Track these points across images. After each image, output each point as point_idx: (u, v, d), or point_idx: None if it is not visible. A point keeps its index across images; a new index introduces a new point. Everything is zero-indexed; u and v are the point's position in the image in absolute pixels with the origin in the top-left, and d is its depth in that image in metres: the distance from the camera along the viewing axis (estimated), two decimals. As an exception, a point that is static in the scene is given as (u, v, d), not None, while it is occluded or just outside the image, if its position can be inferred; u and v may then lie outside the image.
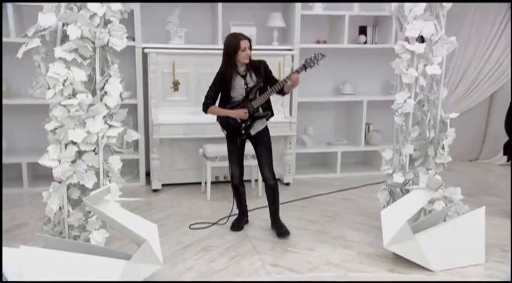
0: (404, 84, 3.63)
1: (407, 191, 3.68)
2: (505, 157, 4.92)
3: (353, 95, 5.71)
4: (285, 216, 4.35)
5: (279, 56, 5.14)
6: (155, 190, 5.12)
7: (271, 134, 4.47)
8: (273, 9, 5.38)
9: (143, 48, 4.96)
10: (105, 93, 3.21)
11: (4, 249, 3.08)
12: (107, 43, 3.15)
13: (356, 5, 5.42)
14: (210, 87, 4.00)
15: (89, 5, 3.05)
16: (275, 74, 4.28)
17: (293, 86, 3.95)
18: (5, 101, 4.97)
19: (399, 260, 3.48)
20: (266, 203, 4.23)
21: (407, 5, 3.47)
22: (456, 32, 5.72)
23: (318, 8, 5.38)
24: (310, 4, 5.38)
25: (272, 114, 4.13)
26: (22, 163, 4.95)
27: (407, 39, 3.57)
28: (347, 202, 4.81)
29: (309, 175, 5.68)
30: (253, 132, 4.01)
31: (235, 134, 4.01)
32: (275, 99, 4.76)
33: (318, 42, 5.54)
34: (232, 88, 3.96)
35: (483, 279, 3.31)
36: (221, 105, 4.02)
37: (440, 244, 3.45)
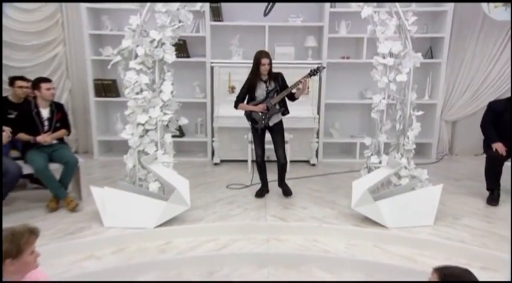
0: (379, 88, 3.76)
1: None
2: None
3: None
4: (300, 185, 4.66)
5: (309, 68, 5.17)
6: (216, 164, 5.53)
7: (301, 126, 4.74)
8: (308, 33, 5.55)
9: (211, 63, 5.44)
10: (161, 91, 3.69)
11: (95, 187, 3.73)
12: (162, 58, 3.61)
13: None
14: (241, 90, 4.20)
15: (151, 33, 3.58)
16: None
17: (302, 92, 4.06)
18: (121, 99, 5.58)
19: (366, 220, 3.64)
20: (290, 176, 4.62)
21: (379, 28, 3.59)
22: (464, 49, 5.62)
23: (343, 32, 5.50)
24: (336, 29, 5.50)
25: (287, 112, 4.20)
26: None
27: (381, 55, 3.67)
28: (354, 179, 4.85)
29: (334, 159, 5.76)
30: (271, 123, 4.14)
31: (257, 124, 4.15)
32: (304, 101, 4.99)
33: (343, 57, 5.62)
34: (256, 90, 4.12)
35: (427, 236, 3.37)
36: (248, 103, 4.18)
37: (397, 208, 3.57)
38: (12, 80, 4.49)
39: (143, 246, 3.40)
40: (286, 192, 4.27)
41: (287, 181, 4.37)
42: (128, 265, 3.17)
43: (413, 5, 5.24)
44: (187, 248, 3.38)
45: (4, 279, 1.68)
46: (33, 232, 1.76)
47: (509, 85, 5.45)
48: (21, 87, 4.41)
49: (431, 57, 5.64)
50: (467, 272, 1.70)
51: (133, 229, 3.52)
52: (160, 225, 3.55)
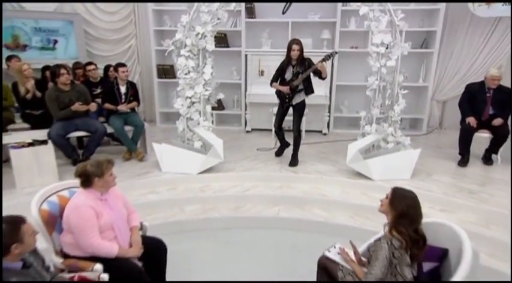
0: (373, 72, 3.85)
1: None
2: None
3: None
4: (311, 149, 4.80)
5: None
6: (247, 131, 5.74)
7: (315, 102, 4.67)
8: (324, 27, 5.59)
9: (245, 51, 5.62)
10: (203, 72, 3.92)
11: (156, 144, 4.11)
12: (205, 47, 3.84)
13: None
14: (275, 71, 4.07)
15: (196, 28, 3.82)
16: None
17: (324, 72, 3.83)
18: (177, 80, 5.94)
19: (358, 174, 3.82)
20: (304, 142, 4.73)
21: (373, 23, 3.67)
22: (455, 41, 5.53)
23: (352, 26, 5.51)
24: (347, 24, 5.52)
25: (312, 92, 4.00)
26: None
27: (374, 45, 3.74)
28: (355, 145, 5.04)
29: (343, 130, 5.79)
30: (294, 102, 4.01)
31: (282, 101, 4.11)
32: (319, 82, 4.81)
33: (352, 47, 5.64)
34: (285, 73, 3.98)
35: (405, 185, 3.52)
36: (280, 83, 4.06)
37: (382, 165, 3.72)
38: (84, 66, 4.94)
39: (189, 187, 3.78)
40: (291, 163, 4.13)
41: (301, 146, 4.34)
42: (177, 199, 3.59)
43: (412, 4, 5.26)
44: (220, 189, 3.72)
45: (94, 190, 2.14)
46: (110, 162, 2.18)
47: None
48: (89, 70, 4.84)
49: (426, 48, 5.57)
50: (411, 192, 1.94)
51: (182, 174, 3.88)
52: (201, 172, 3.89)
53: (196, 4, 3.83)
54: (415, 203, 1.90)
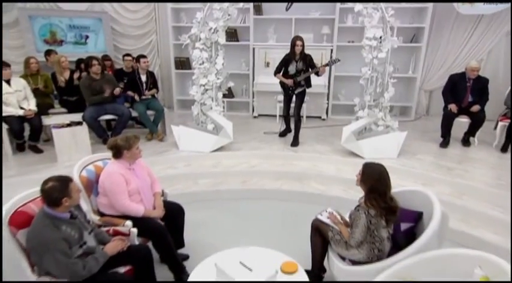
0: (366, 63, 3.86)
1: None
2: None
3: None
4: (311, 132, 4.83)
5: (324, 49, 5.41)
6: (254, 117, 5.78)
7: (315, 91, 4.74)
8: (324, 23, 5.55)
9: (253, 45, 5.62)
10: (216, 63, 3.97)
11: (174, 126, 4.21)
12: (217, 40, 3.88)
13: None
14: (279, 63, 4.16)
15: (209, 23, 3.86)
16: (319, 60, 4.43)
17: (323, 73, 4.00)
18: (192, 71, 5.97)
19: (351, 153, 3.88)
20: (305, 126, 4.77)
21: (366, 19, 3.69)
22: (441, 36, 5.49)
23: (349, 22, 5.47)
24: (345, 20, 5.48)
25: (310, 86, 4.16)
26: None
27: (367, 38, 3.76)
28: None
29: (340, 116, 5.78)
30: (296, 92, 4.14)
31: (286, 91, 4.21)
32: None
33: (349, 41, 5.60)
34: (289, 66, 4.07)
35: (390, 164, 3.57)
36: (282, 75, 4.16)
37: (372, 145, 3.78)
38: (123, 57, 5.10)
39: (203, 163, 3.90)
40: (293, 143, 4.23)
41: (302, 130, 4.41)
42: (192, 173, 3.72)
43: (403, 3, 5.22)
44: (230, 166, 3.83)
45: (124, 161, 2.29)
46: (136, 137, 2.32)
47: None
48: (125, 60, 4.99)
49: (416, 42, 5.53)
50: (379, 166, 1.98)
51: (197, 152, 3.99)
52: (214, 151, 3.98)
53: (209, 3, 3.90)
54: (382, 176, 1.91)
